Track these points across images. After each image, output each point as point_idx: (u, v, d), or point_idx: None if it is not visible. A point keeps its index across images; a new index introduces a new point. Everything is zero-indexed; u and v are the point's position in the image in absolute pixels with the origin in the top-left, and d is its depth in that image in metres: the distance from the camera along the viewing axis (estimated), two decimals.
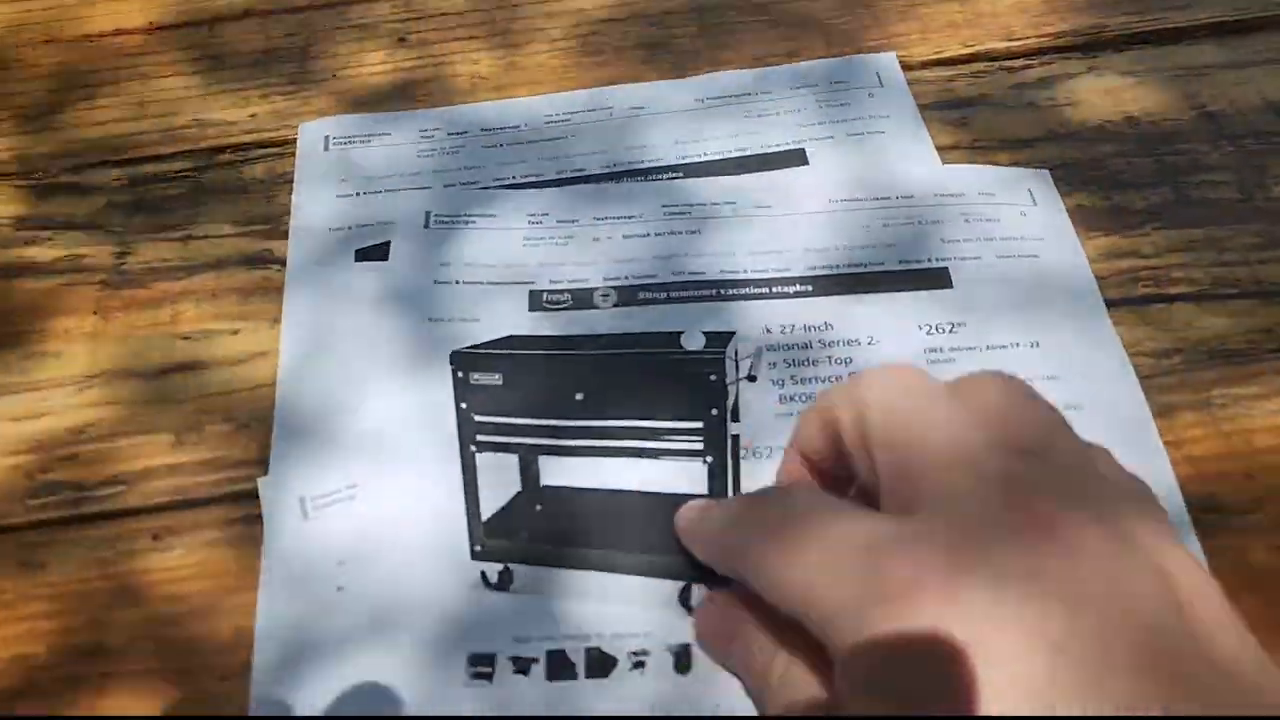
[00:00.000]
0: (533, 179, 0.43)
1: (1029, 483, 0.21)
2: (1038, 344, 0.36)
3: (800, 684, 0.24)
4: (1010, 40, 0.47)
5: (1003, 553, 0.20)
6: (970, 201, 0.41)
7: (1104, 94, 0.45)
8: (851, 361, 0.36)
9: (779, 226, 0.40)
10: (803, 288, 0.38)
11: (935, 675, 0.19)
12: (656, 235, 0.40)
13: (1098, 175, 0.42)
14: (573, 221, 0.41)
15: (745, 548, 0.25)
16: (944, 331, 0.37)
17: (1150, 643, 0.19)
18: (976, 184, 0.41)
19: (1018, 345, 0.36)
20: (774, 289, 0.38)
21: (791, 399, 0.36)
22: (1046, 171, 0.42)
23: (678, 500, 0.32)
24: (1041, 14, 0.48)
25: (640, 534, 0.33)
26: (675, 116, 0.45)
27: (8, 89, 0.48)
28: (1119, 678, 0.18)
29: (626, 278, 0.39)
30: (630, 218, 0.41)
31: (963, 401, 0.24)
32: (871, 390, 0.25)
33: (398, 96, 0.46)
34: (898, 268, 0.39)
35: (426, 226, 0.41)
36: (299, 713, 0.30)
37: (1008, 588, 0.19)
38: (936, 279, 0.38)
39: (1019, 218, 0.40)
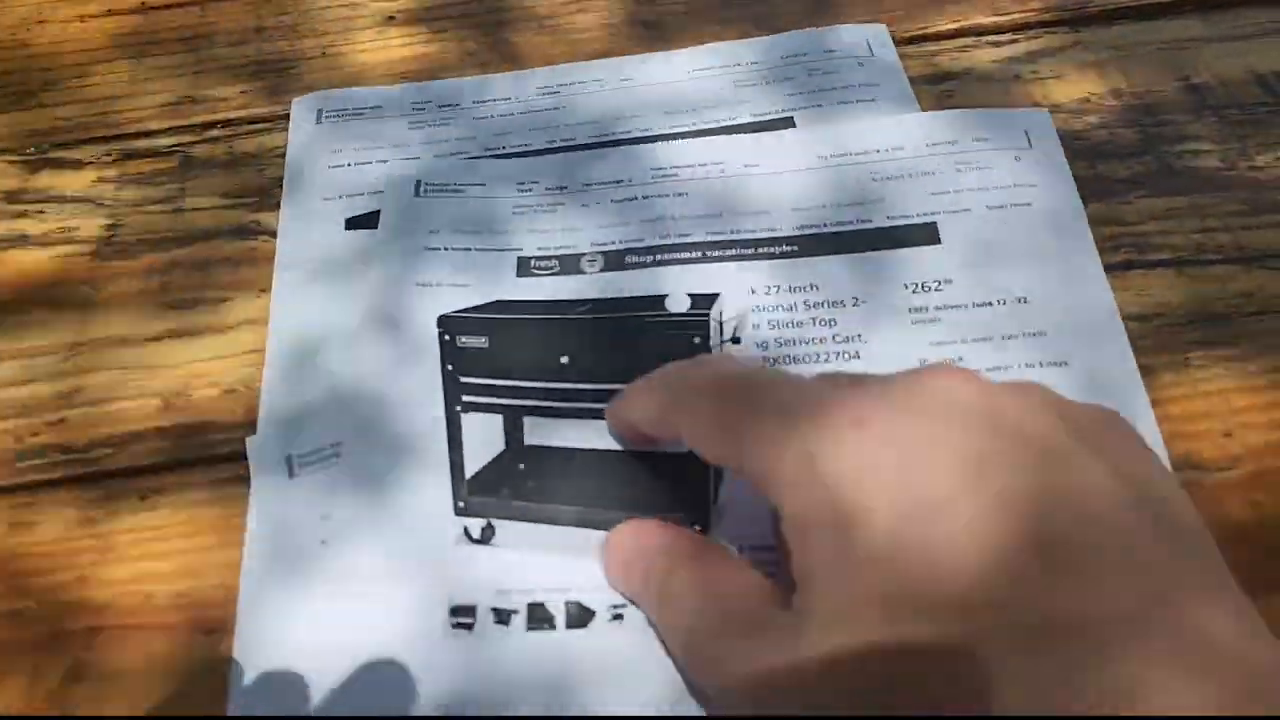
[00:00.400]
0: (522, 149, 0.44)
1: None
2: (1025, 299, 0.36)
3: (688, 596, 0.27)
4: (996, 15, 0.47)
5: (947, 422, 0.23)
6: (963, 149, 0.41)
7: (1089, 67, 0.45)
8: (836, 323, 0.36)
9: (766, 185, 0.40)
10: (788, 248, 0.38)
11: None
12: (644, 199, 0.41)
13: (1082, 146, 0.42)
14: (561, 189, 0.41)
15: (683, 418, 0.28)
16: (929, 290, 0.37)
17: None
18: (970, 128, 0.41)
19: (1003, 302, 0.36)
20: (760, 250, 0.39)
21: (775, 361, 0.36)
22: (1046, 112, 0.42)
23: (658, 460, 0.33)
24: None
25: (620, 492, 0.33)
26: (665, 88, 0.45)
27: (1, 68, 0.48)
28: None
29: (614, 242, 0.39)
30: (618, 182, 0.41)
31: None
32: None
33: (388, 73, 0.47)
34: (885, 224, 0.39)
35: (417, 195, 0.41)
36: (279, 666, 0.30)
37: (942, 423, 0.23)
38: (925, 234, 0.38)
39: (1013, 163, 0.40)
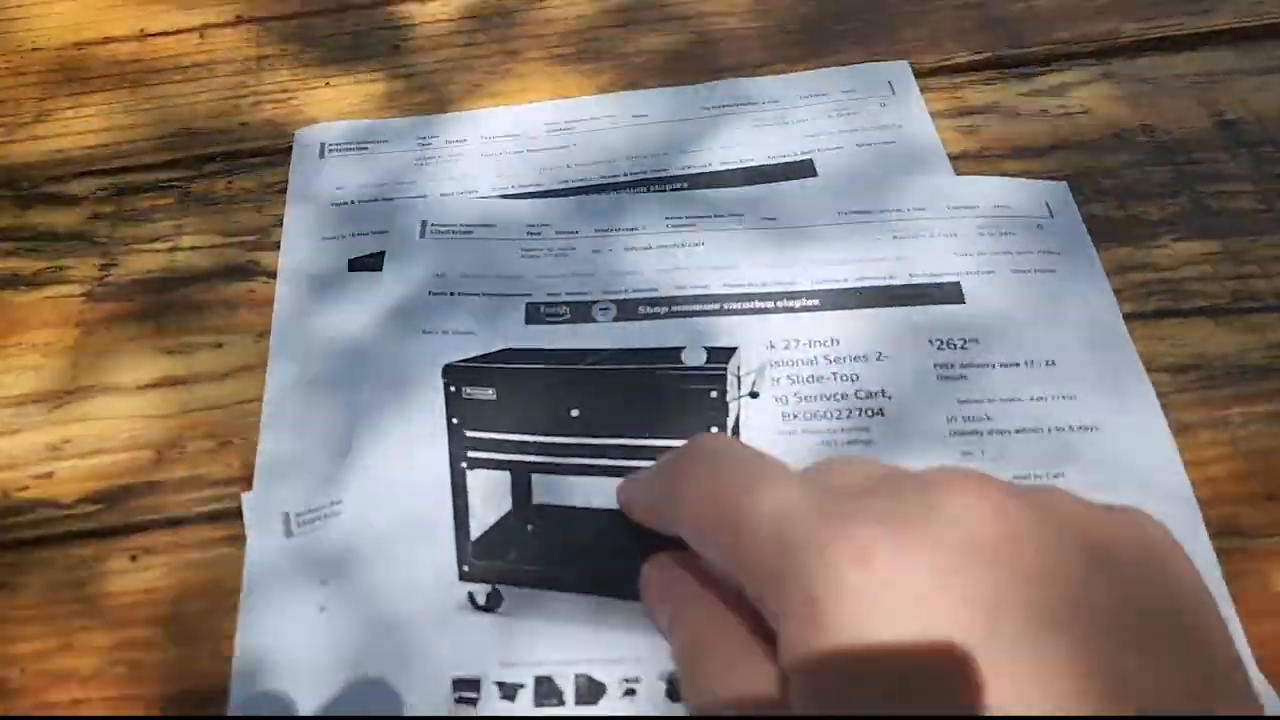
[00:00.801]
0: (532, 189, 0.42)
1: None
2: (1053, 362, 0.35)
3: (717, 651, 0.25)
4: (1022, 47, 0.45)
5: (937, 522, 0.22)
6: (985, 214, 0.39)
7: (1118, 101, 0.43)
8: (858, 378, 0.35)
9: (785, 239, 0.39)
10: (809, 302, 0.37)
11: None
12: (660, 248, 0.39)
13: (1112, 185, 0.40)
14: (573, 233, 0.40)
15: (677, 513, 0.27)
16: (955, 347, 0.35)
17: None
18: (992, 196, 0.40)
19: (1031, 363, 0.35)
20: (779, 303, 0.37)
21: (795, 417, 0.34)
22: (1064, 184, 0.40)
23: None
24: (1053, 19, 0.46)
25: (635, 556, 0.31)
26: (679, 125, 0.44)
27: None
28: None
29: (626, 291, 0.38)
30: (633, 230, 0.40)
31: None
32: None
33: (393, 104, 0.45)
34: (908, 280, 0.37)
35: (422, 236, 0.40)
36: None
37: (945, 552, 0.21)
38: (948, 294, 0.37)
39: (1035, 231, 0.39)
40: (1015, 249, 0.38)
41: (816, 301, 0.37)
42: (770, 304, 0.37)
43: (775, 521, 0.23)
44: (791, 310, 0.37)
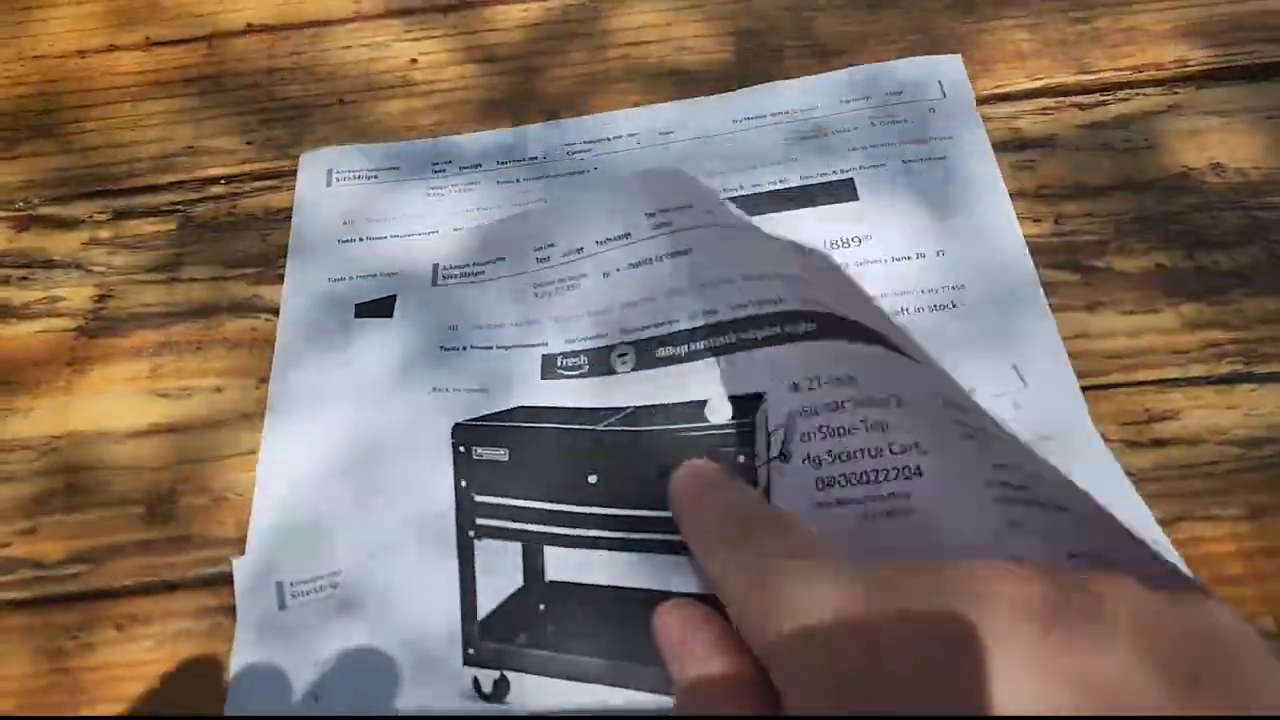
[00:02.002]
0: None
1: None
2: (943, 252, 0.36)
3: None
4: (1083, 73, 0.42)
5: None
6: (877, 104, 0.41)
7: (1186, 137, 0.40)
8: (887, 428, 0.32)
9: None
10: (808, 327, 0.33)
11: None
12: (656, 259, 0.35)
13: (1180, 231, 0.37)
14: (579, 251, 0.37)
15: (723, 577, 0.25)
16: (849, 245, 0.36)
17: None
18: (883, 84, 0.42)
19: (924, 255, 0.36)
20: (785, 328, 0.33)
21: (830, 483, 0.31)
22: (958, 56, 0.42)
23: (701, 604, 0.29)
24: (1117, 44, 0.43)
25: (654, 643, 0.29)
26: (709, 142, 0.41)
27: None
28: None
29: (643, 329, 0.35)
30: (626, 236, 0.36)
31: None
32: None
33: (409, 124, 0.43)
34: (799, 183, 0.38)
35: (435, 284, 0.37)
36: None
37: None
38: (842, 191, 0.38)
39: (926, 115, 0.41)
40: (908, 137, 0.40)
41: (815, 326, 0.33)
42: (778, 329, 0.33)
43: (796, 605, 0.23)
44: (812, 336, 0.33)
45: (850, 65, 0.43)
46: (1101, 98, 0.42)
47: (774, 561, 0.25)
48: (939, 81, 0.42)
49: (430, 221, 0.39)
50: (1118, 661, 0.20)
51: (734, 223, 0.36)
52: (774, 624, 0.23)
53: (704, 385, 0.33)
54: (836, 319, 0.33)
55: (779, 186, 0.39)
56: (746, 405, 0.33)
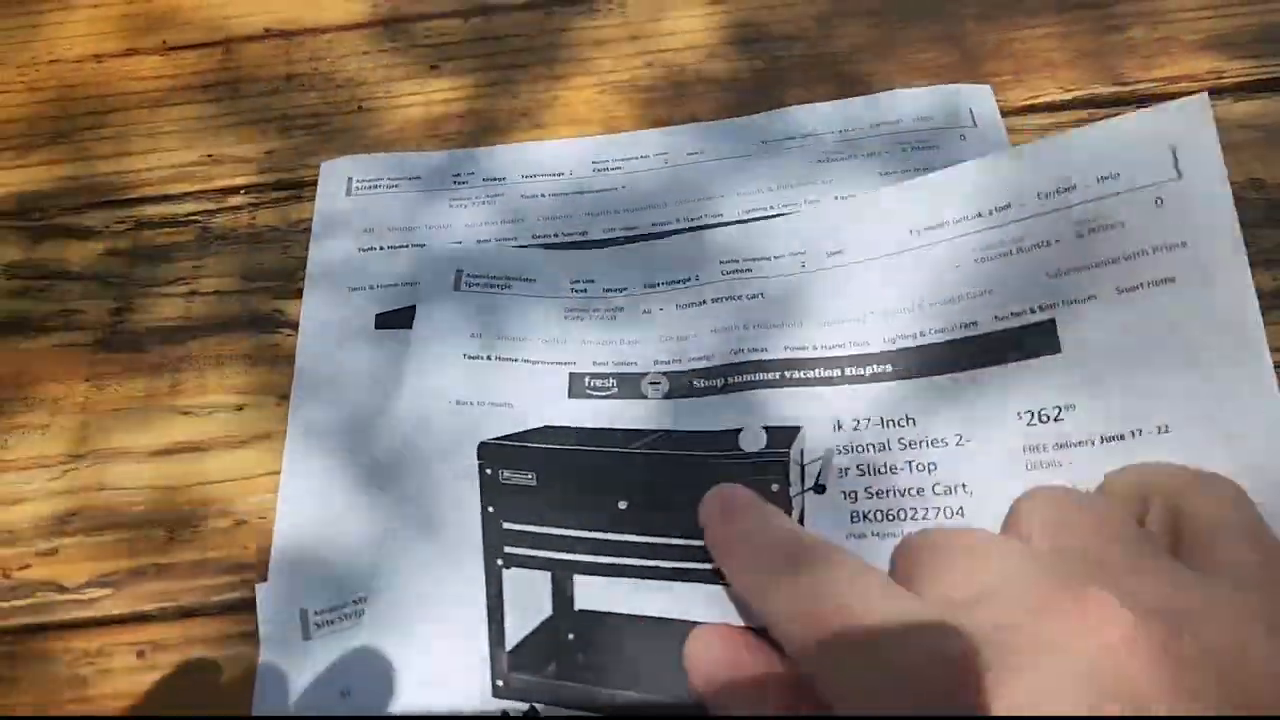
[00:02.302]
0: (576, 239, 0.39)
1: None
2: (1166, 428, 0.28)
3: None
4: (1116, 84, 0.41)
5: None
6: (1085, 198, 0.30)
7: (1224, 151, 0.39)
8: (936, 468, 0.31)
9: (853, 279, 0.34)
10: (880, 368, 0.33)
11: None
12: (714, 301, 0.36)
13: None
14: (621, 290, 0.36)
15: (774, 608, 0.25)
16: (1047, 420, 0.30)
17: None
18: (1093, 165, 0.30)
19: (1140, 433, 0.28)
20: (847, 370, 0.33)
21: (866, 517, 0.31)
22: (1204, 96, 0.30)
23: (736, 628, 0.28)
24: (1151, 54, 0.42)
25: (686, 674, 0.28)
26: (737, 163, 0.40)
27: (6, 114, 0.44)
28: None
29: (679, 361, 0.34)
30: (684, 281, 0.36)
31: None
32: None
33: (431, 132, 0.42)
34: (993, 327, 0.32)
35: (457, 289, 0.37)
36: None
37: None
38: (1040, 341, 0.30)
39: (1152, 211, 0.29)
40: (1124, 250, 0.30)
41: (889, 367, 0.33)
42: (837, 371, 0.33)
43: (848, 620, 0.23)
44: (861, 379, 0.33)
45: (878, 73, 0.42)
46: (1136, 109, 0.41)
47: (831, 588, 0.24)
48: (969, 110, 0.41)
49: (453, 232, 0.39)
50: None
51: (823, 267, 0.35)
52: (839, 651, 0.23)
53: (738, 416, 0.33)
54: (916, 352, 0.32)
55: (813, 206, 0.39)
56: (782, 435, 0.32)
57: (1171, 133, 0.30)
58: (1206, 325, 0.28)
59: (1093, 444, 0.29)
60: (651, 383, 0.34)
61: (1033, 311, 0.31)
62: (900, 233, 0.34)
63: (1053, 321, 0.30)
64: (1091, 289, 0.30)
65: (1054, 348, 0.30)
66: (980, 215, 0.32)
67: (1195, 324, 0.28)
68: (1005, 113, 0.41)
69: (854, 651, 0.23)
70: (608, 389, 0.34)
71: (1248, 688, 0.20)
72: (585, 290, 0.36)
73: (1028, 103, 0.41)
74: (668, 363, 0.34)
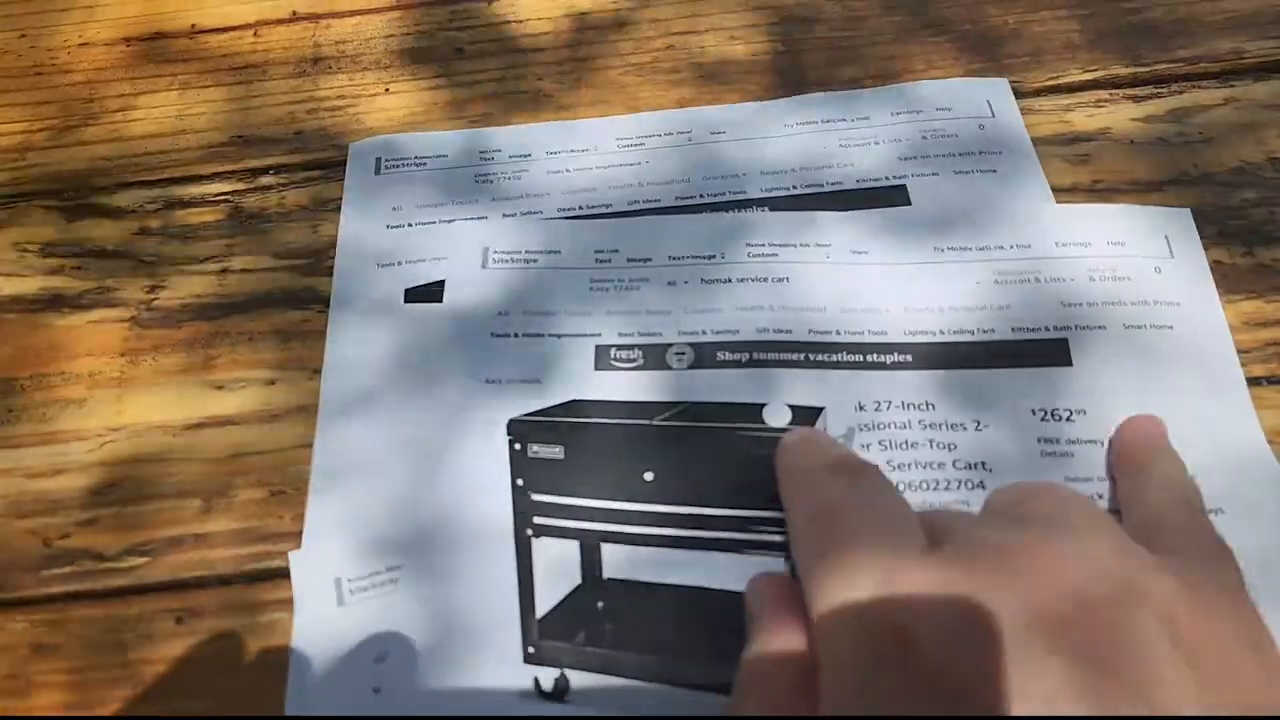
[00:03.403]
0: (601, 210, 0.39)
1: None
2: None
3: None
4: (1136, 65, 0.42)
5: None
6: (1098, 254, 0.36)
7: (1244, 131, 0.40)
8: (956, 447, 0.32)
9: (877, 278, 0.36)
10: (901, 358, 0.34)
11: None
12: (739, 281, 0.36)
13: (1238, 227, 0.37)
14: (645, 260, 0.37)
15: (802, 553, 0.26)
16: (1060, 419, 0.32)
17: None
18: (1104, 231, 0.36)
19: None
20: (869, 357, 0.34)
21: None
22: (1187, 211, 0.37)
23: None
24: (1171, 34, 0.42)
25: (715, 641, 0.29)
26: (761, 143, 0.41)
27: (40, 96, 0.44)
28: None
29: (704, 332, 0.35)
30: (710, 257, 0.37)
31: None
32: None
33: (457, 115, 0.43)
34: (1010, 337, 0.34)
35: (484, 266, 0.37)
36: None
37: None
38: (1054, 353, 0.34)
39: (1152, 275, 0.35)
40: (1130, 298, 0.35)
41: (909, 358, 0.34)
42: (860, 357, 0.34)
43: (855, 572, 0.24)
44: (882, 366, 0.34)
45: (899, 55, 0.43)
46: (1156, 90, 0.41)
47: (842, 511, 0.26)
48: (988, 101, 0.41)
49: (479, 208, 0.39)
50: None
51: (848, 261, 0.36)
52: (822, 593, 0.24)
53: (763, 391, 0.33)
54: (937, 348, 0.34)
55: (835, 189, 0.39)
56: (806, 413, 0.33)
57: (1164, 226, 0.37)
58: (1199, 365, 0.33)
59: (1101, 444, 0.32)
60: (677, 353, 0.34)
61: (1047, 330, 0.34)
62: (925, 248, 0.36)
63: (1065, 340, 0.34)
64: (1101, 321, 0.34)
65: (1066, 362, 0.34)
66: (1003, 248, 0.36)
67: (1190, 363, 0.33)
68: (1024, 94, 0.41)
69: (826, 593, 0.24)
70: (633, 360, 0.34)
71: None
72: (610, 260, 0.37)
73: (1048, 84, 0.41)
74: (692, 334, 0.35)
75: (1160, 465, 0.30)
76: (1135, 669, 0.20)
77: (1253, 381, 0.33)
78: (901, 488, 0.31)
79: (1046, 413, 0.32)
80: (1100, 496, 0.31)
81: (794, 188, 0.39)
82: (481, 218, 0.39)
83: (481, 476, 0.32)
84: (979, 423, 0.32)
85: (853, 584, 0.23)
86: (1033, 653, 0.20)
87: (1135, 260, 0.36)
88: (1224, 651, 0.22)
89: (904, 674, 0.21)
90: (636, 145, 0.41)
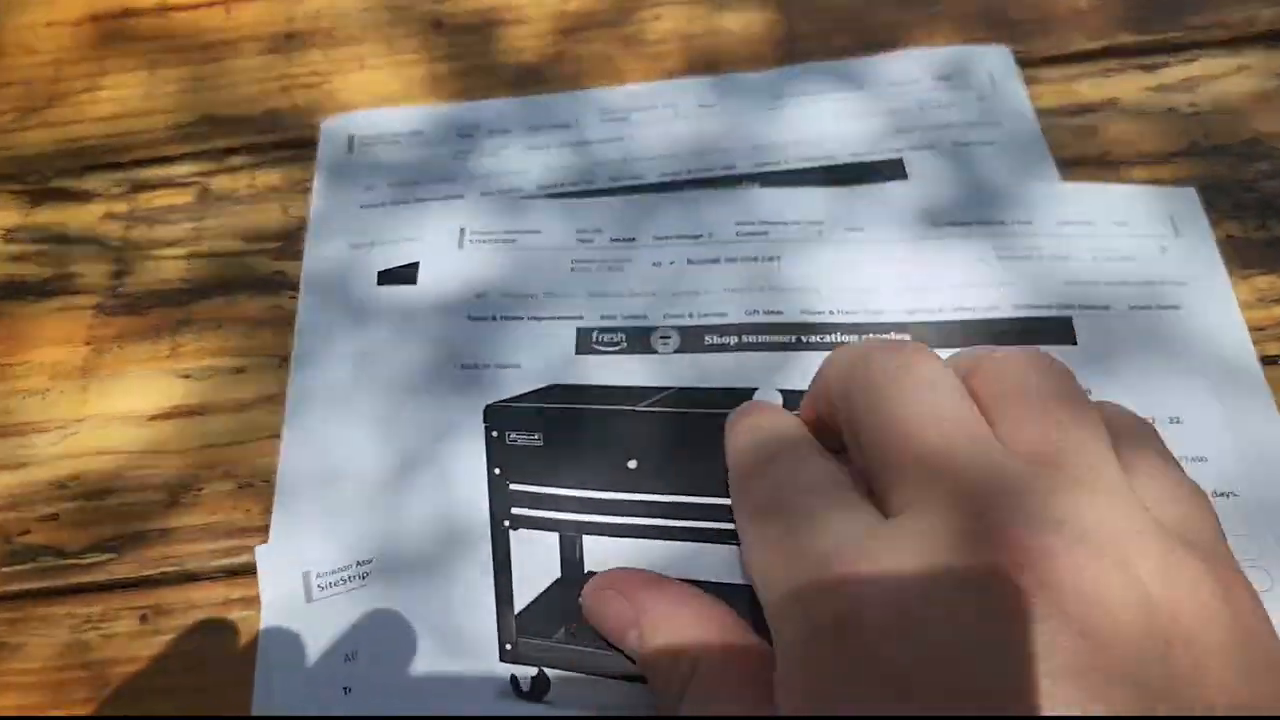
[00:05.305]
0: (583, 187, 0.38)
1: (1008, 509, 0.20)
2: (1179, 419, 0.30)
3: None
4: (1146, 33, 0.40)
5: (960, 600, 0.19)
6: (1100, 233, 0.34)
7: (1256, 100, 0.38)
8: None
9: (872, 255, 0.34)
10: (899, 337, 0.32)
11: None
12: (728, 261, 0.35)
13: (1250, 200, 0.35)
14: (629, 240, 0.36)
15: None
16: None
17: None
18: (1107, 210, 0.35)
19: (1153, 420, 0.30)
20: (865, 336, 0.33)
21: None
22: (1192, 190, 0.35)
23: (744, 593, 0.27)
24: (1181, 1, 0.41)
25: None
26: (750, 115, 0.39)
27: (3, 78, 0.43)
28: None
29: (690, 315, 0.33)
30: (696, 237, 0.35)
31: (971, 387, 0.23)
32: (868, 371, 0.24)
33: (434, 90, 0.41)
34: (1011, 314, 0.32)
35: (460, 247, 0.36)
36: None
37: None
38: (1057, 332, 0.32)
39: (1158, 255, 0.34)
40: (1135, 278, 0.33)
41: (908, 336, 0.32)
42: (856, 337, 0.32)
43: (815, 542, 0.22)
44: None
45: (898, 23, 0.41)
46: (1165, 59, 0.39)
47: (783, 498, 0.24)
48: (989, 72, 0.39)
49: (456, 186, 0.38)
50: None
51: (842, 239, 0.34)
52: (771, 568, 0.23)
53: (752, 375, 0.32)
54: (936, 326, 0.32)
55: (828, 163, 0.37)
56: (797, 399, 0.31)
57: (1169, 206, 0.35)
58: (1209, 345, 0.32)
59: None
60: (662, 337, 0.33)
61: (1050, 308, 0.33)
62: (923, 224, 0.35)
63: (1069, 319, 0.32)
64: (1106, 301, 0.33)
65: (1070, 340, 0.32)
66: (1004, 223, 0.35)
67: (1200, 343, 0.32)
68: (1028, 64, 0.39)
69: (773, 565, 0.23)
70: (616, 344, 0.33)
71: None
72: (592, 240, 0.35)
73: (1054, 52, 0.40)
74: (679, 316, 0.33)
75: None
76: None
77: (1267, 360, 0.32)
78: None
79: None
80: None
81: (785, 163, 0.38)
82: (458, 196, 0.37)
83: (457, 466, 0.31)
84: None
85: (800, 573, 0.22)
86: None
87: (1139, 240, 0.34)
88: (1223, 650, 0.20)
89: (845, 645, 0.20)
90: (621, 120, 0.39)
